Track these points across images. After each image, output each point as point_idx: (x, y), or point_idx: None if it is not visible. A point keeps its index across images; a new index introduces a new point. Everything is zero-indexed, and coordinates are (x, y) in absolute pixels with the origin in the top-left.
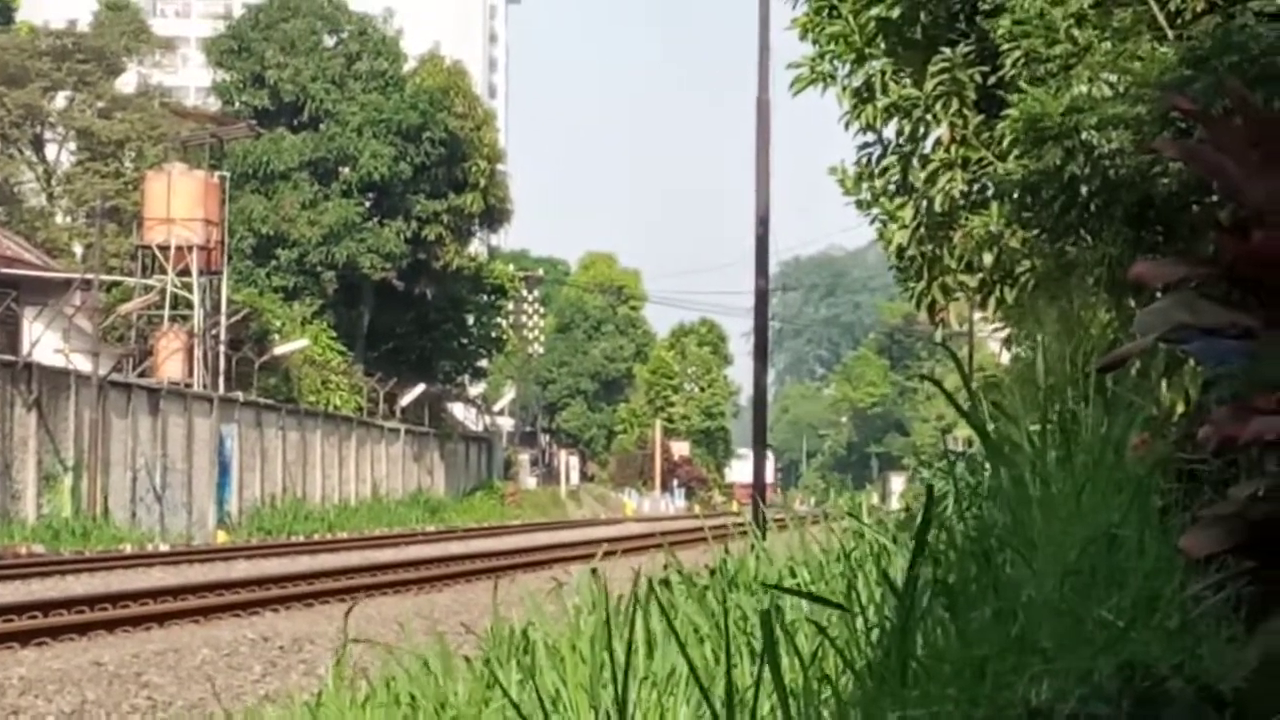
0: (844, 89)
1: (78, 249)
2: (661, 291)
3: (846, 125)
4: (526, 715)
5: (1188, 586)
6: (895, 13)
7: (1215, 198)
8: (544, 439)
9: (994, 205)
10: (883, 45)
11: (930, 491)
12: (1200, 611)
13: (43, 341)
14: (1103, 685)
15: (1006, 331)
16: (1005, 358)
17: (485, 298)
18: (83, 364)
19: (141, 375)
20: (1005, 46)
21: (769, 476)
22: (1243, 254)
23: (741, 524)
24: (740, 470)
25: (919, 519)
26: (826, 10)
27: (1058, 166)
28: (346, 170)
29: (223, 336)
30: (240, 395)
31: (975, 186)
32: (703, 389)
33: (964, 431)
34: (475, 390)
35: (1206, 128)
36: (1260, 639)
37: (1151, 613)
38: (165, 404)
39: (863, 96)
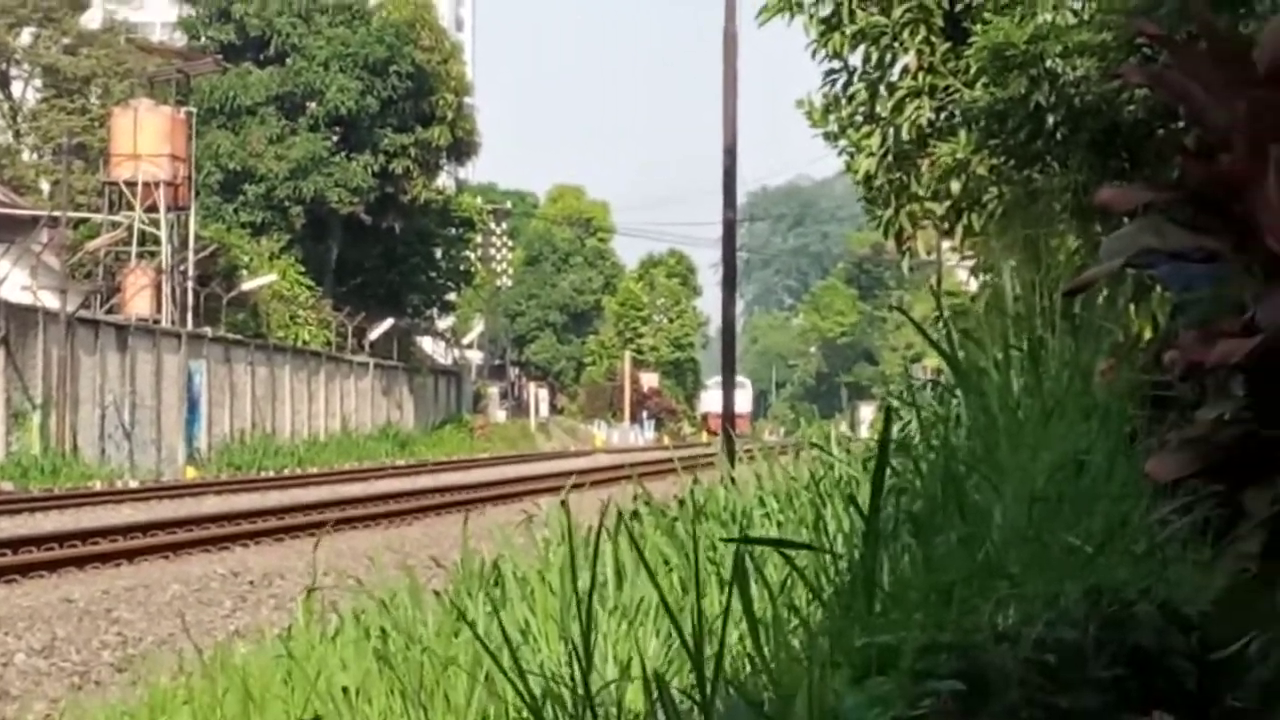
0: (811, 17)
1: (44, 186)
2: (630, 224)
3: (814, 54)
4: (494, 651)
5: (1155, 511)
6: None
7: (1181, 123)
8: (513, 372)
9: (961, 133)
10: None
11: (889, 412)
12: (1167, 536)
13: (10, 279)
14: (1070, 609)
15: (974, 259)
16: (973, 286)
17: (453, 231)
18: (50, 301)
19: (109, 312)
20: None
21: (747, 405)
22: (1209, 178)
23: (711, 455)
24: (712, 400)
25: (879, 441)
26: None
27: (1023, 94)
28: (313, 105)
29: (190, 272)
30: (209, 331)
31: (943, 114)
32: (671, 320)
33: (933, 360)
34: (444, 324)
35: (1172, 53)
36: (1226, 562)
37: (1119, 537)
38: (133, 340)
39: (830, 24)
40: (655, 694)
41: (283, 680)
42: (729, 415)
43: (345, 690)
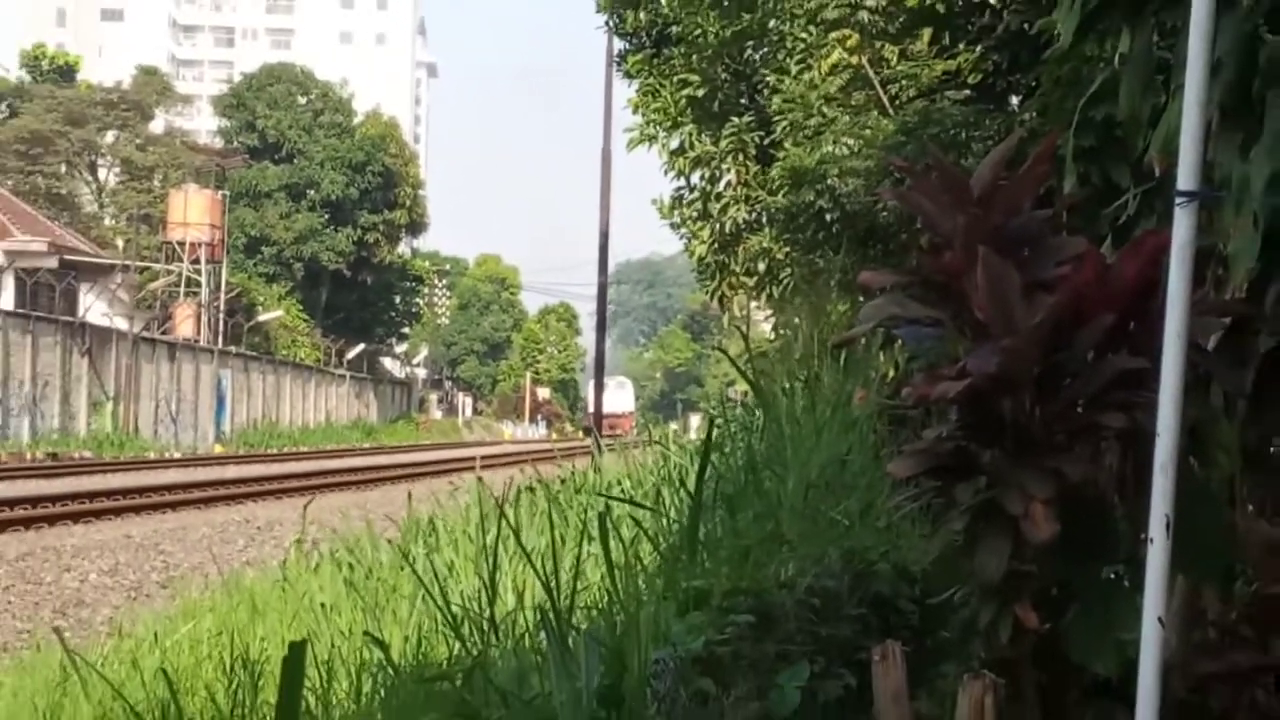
0: (663, 147)
1: (120, 243)
2: (533, 282)
3: (665, 172)
4: (426, 582)
5: (893, 498)
6: (700, 94)
7: (919, 227)
8: (447, 384)
9: (767, 229)
10: (691, 115)
11: (712, 423)
12: (901, 515)
13: (93, 308)
14: (832, 566)
15: (774, 317)
16: (772, 336)
17: (408, 284)
18: (122, 324)
19: (163, 334)
20: (776, 117)
21: (630, 404)
22: (937, 268)
23: (586, 447)
24: (607, 400)
25: (704, 446)
26: (651, 92)
27: (811, 201)
28: (312, 192)
29: (222, 308)
30: (233, 349)
31: (754, 215)
32: (560, 352)
33: (742, 386)
34: (400, 349)
35: (913, 179)
36: (940, 536)
37: (868, 516)
38: (180, 354)
39: (676, 153)
40: (539, 617)
41: (278, 597)
42: (598, 418)
43: (323, 605)
